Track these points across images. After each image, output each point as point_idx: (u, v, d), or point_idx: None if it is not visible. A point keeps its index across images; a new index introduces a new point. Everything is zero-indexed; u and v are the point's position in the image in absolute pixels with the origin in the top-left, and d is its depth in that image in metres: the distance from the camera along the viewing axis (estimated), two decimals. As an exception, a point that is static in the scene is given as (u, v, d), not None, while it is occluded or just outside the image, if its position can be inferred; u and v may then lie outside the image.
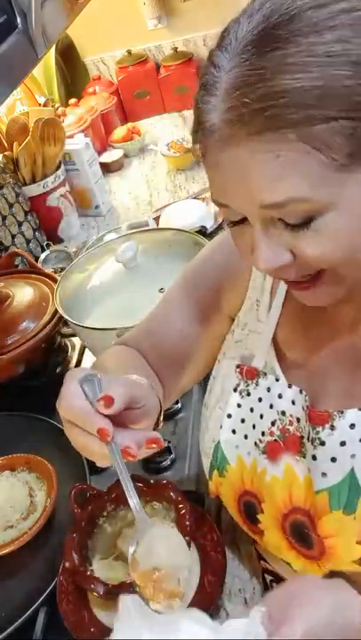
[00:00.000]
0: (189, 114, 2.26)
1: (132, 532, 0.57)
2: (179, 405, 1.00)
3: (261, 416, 0.63)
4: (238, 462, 0.65)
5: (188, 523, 0.72)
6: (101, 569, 0.73)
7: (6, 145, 1.46)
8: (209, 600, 0.71)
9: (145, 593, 0.43)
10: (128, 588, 0.67)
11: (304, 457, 0.59)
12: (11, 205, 1.44)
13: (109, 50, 2.17)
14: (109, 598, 0.68)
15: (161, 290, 1.07)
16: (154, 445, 0.50)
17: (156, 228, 1.33)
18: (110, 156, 1.90)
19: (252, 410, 0.65)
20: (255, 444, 0.64)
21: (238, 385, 0.66)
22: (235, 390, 0.66)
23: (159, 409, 0.59)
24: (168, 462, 0.91)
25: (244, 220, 0.50)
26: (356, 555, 0.55)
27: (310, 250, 0.47)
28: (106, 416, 0.47)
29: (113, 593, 0.68)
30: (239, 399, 0.66)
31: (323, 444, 0.57)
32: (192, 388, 1.03)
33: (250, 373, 0.65)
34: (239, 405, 0.66)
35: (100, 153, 1.88)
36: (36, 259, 1.45)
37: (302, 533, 0.59)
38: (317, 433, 0.57)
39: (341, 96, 0.41)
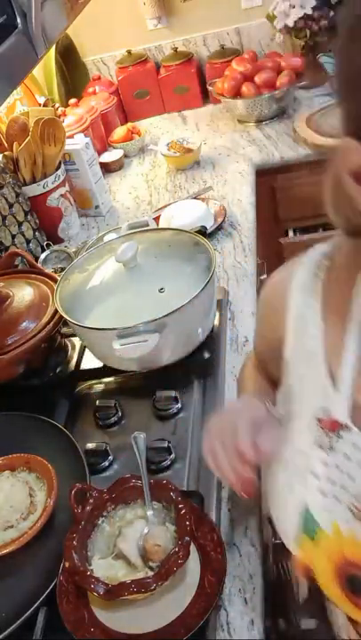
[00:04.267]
0: (189, 114, 2.28)
1: (138, 525, 0.79)
2: (179, 405, 1.00)
3: (351, 477, 0.55)
4: (334, 530, 0.57)
5: (188, 523, 0.72)
6: (101, 569, 0.73)
7: (6, 145, 1.46)
8: (209, 600, 0.71)
9: (147, 554, 0.74)
10: (128, 587, 0.67)
11: None
12: (11, 205, 1.44)
13: (109, 50, 2.18)
14: (109, 598, 0.68)
15: (161, 290, 1.07)
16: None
17: (156, 227, 1.32)
18: (110, 156, 1.91)
19: (338, 468, 0.56)
20: (350, 510, 0.55)
21: (320, 438, 0.58)
22: (319, 446, 0.58)
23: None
24: (168, 462, 0.91)
25: None
26: None
27: None
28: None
29: (113, 593, 0.68)
30: (324, 456, 0.57)
31: None
32: (193, 388, 1.03)
33: (331, 425, 0.57)
34: (325, 464, 0.57)
35: (100, 153, 1.88)
36: (36, 259, 1.46)
37: None
38: None
39: None
